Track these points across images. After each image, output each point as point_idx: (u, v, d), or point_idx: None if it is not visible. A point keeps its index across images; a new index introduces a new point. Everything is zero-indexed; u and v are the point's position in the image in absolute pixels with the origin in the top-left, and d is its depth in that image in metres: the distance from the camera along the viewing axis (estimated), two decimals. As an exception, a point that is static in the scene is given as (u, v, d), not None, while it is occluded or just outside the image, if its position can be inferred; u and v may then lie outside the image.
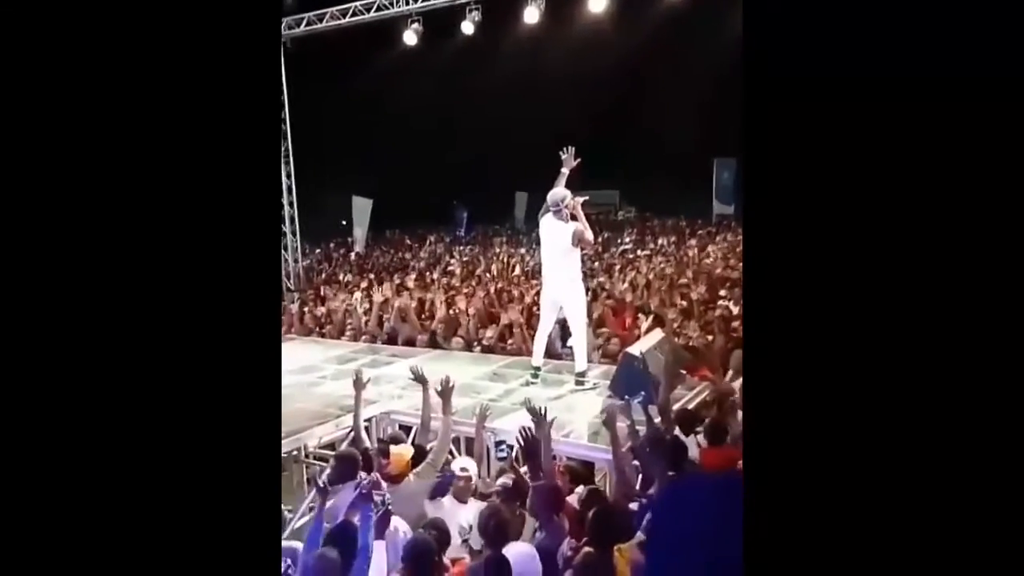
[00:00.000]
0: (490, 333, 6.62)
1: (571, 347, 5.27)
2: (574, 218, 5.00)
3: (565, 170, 5.15)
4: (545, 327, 5.26)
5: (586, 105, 21.84)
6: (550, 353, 5.55)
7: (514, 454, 3.85)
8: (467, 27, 11.64)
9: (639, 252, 13.66)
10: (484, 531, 2.88)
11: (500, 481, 3.52)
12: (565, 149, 5.22)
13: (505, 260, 13.04)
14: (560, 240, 4.97)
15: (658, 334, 5.09)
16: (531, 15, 11.12)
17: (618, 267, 10.93)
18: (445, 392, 3.89)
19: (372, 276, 11.29)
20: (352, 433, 4.12)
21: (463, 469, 3.54)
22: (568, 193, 5.02)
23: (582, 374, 5.05)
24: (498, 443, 3.92)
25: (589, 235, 5.05)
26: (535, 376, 5.19)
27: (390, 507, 2.85)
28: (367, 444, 3.94)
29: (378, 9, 11.62)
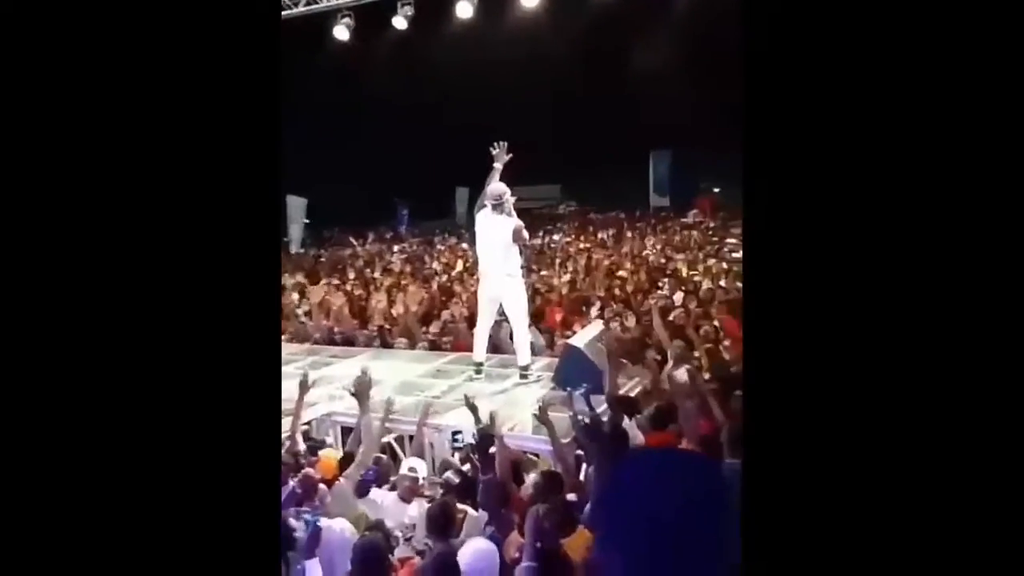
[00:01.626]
0: (434, 330, 6.59)
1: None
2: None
3: (498, 165, 5.15)
4: (485, 323, 5.25)
5: (525, 99, 21.91)
6: (500, 348, 5.55)
7: (462, 444, 3.84)
8: (399, 22, 11.51)
9: (580, 245, 13.81)
10: (429, 526, 2.87)
11: (445, 476, 3.51)
12: (496, 145, 5.22)
13: (447, 256, 12.99)
14: (499, 236, 4.97)
15: (598, 325, 5.16)
16: (464, 9, 11.08)
17: (559, 261, 11.03)
18: (360, 391, 3.80)
19: (305, 277, 11.03)
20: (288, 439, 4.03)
21: (411, 469, 3.52)
22: (506, 188, 5.03)
23: (526, 367, 5.07)
24: (454, 433, 3.90)
25: (525, 230, 5.08)
26: (478, 372, 5.18)
27: (319, 525, 2.80)
28: (301, 448, 3.85)
29: (308, 3, 11.38)
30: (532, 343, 5.41)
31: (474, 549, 2.73)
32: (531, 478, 3.45)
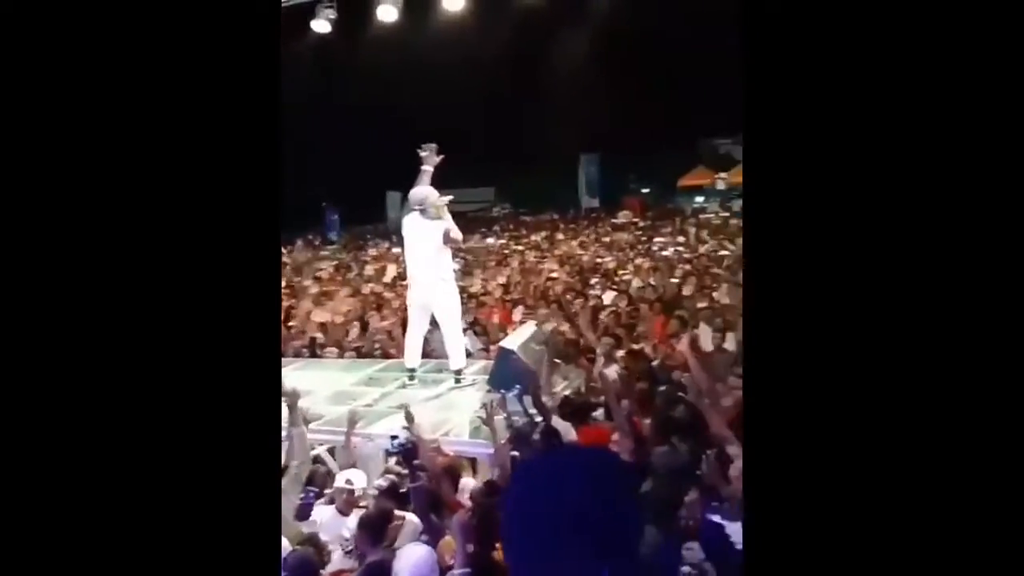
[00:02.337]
0: (361, 337, 6.47)
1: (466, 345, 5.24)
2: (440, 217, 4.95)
3: (426, 168, 5.09)
4: (416, 329, 5.17)
5: (459, 102, 21.87)
6: (435, 354, 5.48)
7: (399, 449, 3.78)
8: (321, 25, 11.28)
9: (513, 247, 13.86)
10: (361, 535, 2.83)
11: (376, 483, 3.45)
12: (423, 147, 5.16)
13: (378, 262, 12.80)
14: (429, 240, 4.90)
15: (531, 327, 5.17)
16: (387, 13, 10.93)
17: (493, 263, 11.03)
18: (290, 403, 3.71)
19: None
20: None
21: (348, 481, 3.46)
22: (433, 192, 4.97)
23: (459, 372, 5.02)
24: (392, 438, 3.83)
25: (457, 233, 5.01)
26: (411, 378, 5.10)
27: None
28: None
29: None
30: (467, 347, 5.37)
31: (411, 556, 2.69)
32: (465, 482, 3.43)
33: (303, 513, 3.34)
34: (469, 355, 5.34)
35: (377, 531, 2.81)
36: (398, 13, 10.91)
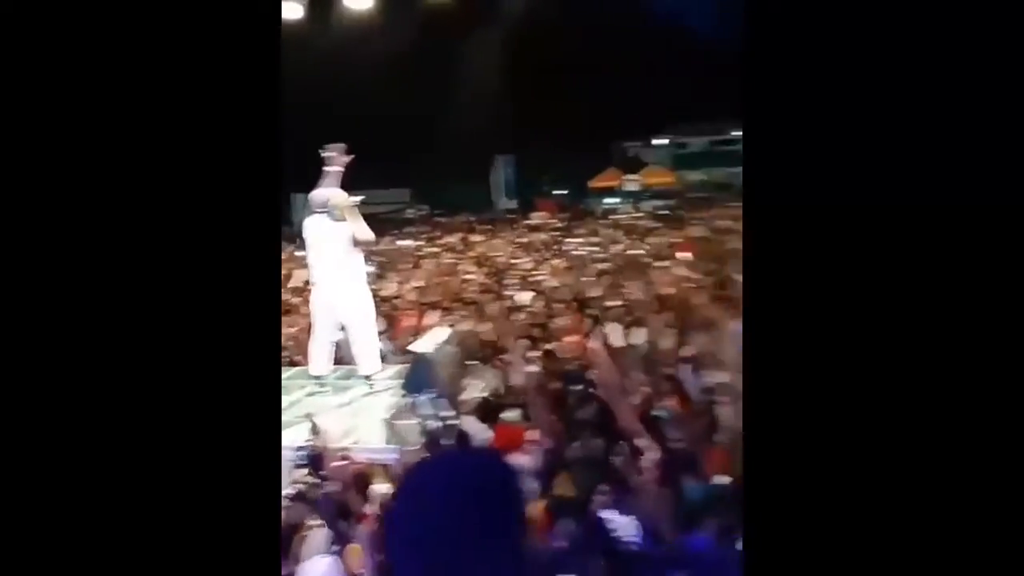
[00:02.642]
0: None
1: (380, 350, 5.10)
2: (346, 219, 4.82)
3: (331, 169, 4.95)
4: (322, 334, 5.00)
5: (372, 103, 21.48)
6: (346, 359, 5.33)
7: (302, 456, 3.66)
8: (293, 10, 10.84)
9: (429, 249, 13.73)
10: None
11: (285, 492, 3.33)
12: (326, 148, 5.01)
13: (284, 267, 12.38)
14: (335, 242, 4.76)
15: (445, 329, 5.11)
16: (292, 10, 10.62)
17: (409, 266, 10.88)
18: None
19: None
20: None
21: None
22: (338, 193, 4.83)
23: (370, 377, 4.90)
24: (298, 449, 3.69)
25: (366, 235, 4.88)
26: (320, 385, 4.94)
27: None
28: None
29: None
30: (381, 351, 5.25)
31: (313, 571, 2.62)
32: (377, 489, 3.34)
33: None
34: (383, 359, 5.22)
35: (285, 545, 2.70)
36: (303, 11, 10.62)
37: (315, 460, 3.40)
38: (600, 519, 2.58)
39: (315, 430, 3.48)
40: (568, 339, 5.19)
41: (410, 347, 4.91)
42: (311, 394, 4.86)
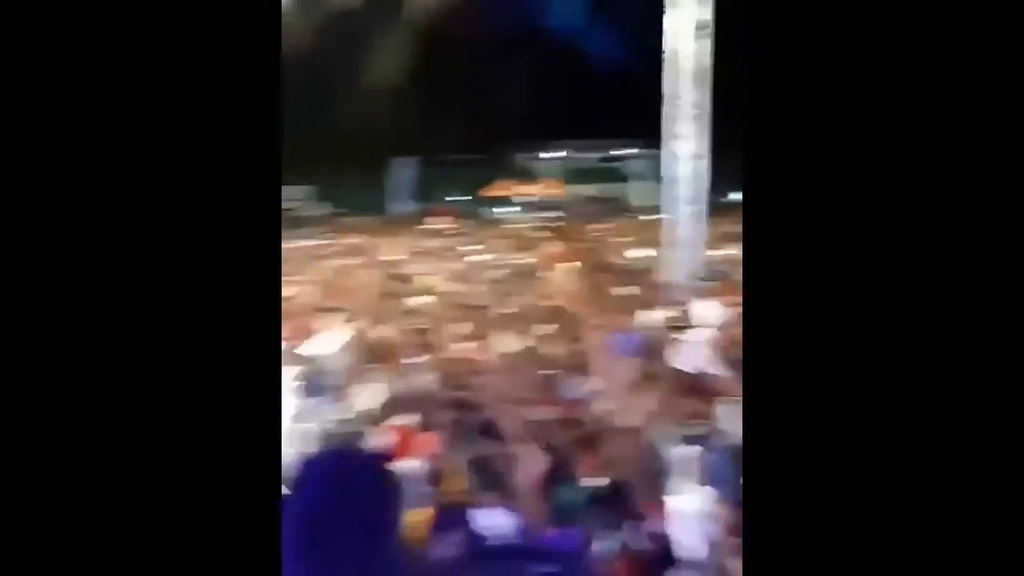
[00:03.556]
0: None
1: None
2: None
3: None
4: None
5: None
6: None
7: None
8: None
9: (328, 250, 13.56)
10: None
11: None
12: None
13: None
14: None
15: (340, 332, 5.25)
16: None
17: (308, 266, 10.78)
18: None
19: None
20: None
21: None
22: None
23: None
24: None
25: None
26: None
27: None
28: None
29: None
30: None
31: None
32: None
33: None
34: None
35: None
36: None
37: None
38: (477, 519, 2.67)
39: None
40: (459, 345, 5.47)
41: (306, 350, 5.04)
42: None
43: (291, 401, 4.66)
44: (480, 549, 2.36)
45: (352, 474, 0.94)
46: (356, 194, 24.00)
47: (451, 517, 2.70)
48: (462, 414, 3.94)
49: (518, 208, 24.20)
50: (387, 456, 2.81)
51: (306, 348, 5.33)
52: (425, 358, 5.17)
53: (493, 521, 2.67)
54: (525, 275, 9.51)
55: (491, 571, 2.07)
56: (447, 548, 2.39)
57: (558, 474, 3.19)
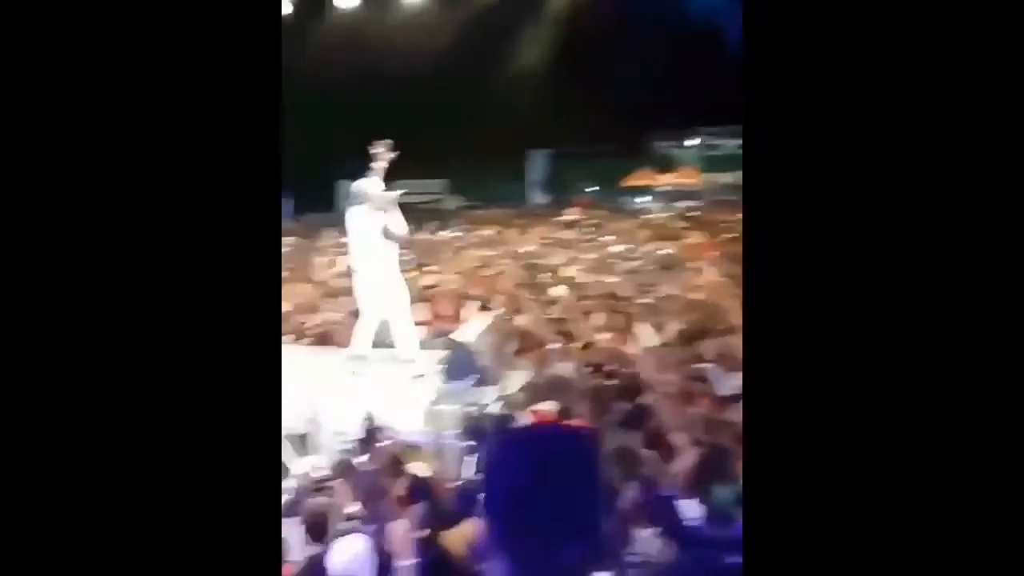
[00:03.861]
0: (315, 325, 6.48)
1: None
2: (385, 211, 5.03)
3: (375, 165, 5.17)
4: (364, 319, 5.26)
5: (412, 93, 21.64)
6: (386, 344, 5.57)
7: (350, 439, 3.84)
8: (283, 7, 11.10)
9: (466, 240, 13.91)
10: (306, 530, 2.81)
11: (324, 472, 3.50)
12: (374, 143, 5.24)
13: (331, 252, 12.64)
14: (370, 233, 5.00)
15: (484, 319, 5.30)
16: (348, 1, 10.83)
17: (447, 257, 11.08)
18: None
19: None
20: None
21: (315, 468, 3.47)
22: (375, 185, 5.06)
23: (410, 362, 5.12)
24: (337, 433, 3.88)
25: (401, 228, 5.11)
26: (360, 367, 5.18)
27: None
28: None
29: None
30: (421, 339, 5.47)
31: (345, 549, 2.68)
32: (413, 470, 3.52)
33: (290, 511, 3.14)
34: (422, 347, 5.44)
35: (321, 528, 2.78)
36: (359, 1, 10.83)
37: (364, 440, 3.55)
38: (679, 508, 2.61)
39: (368, 414, 3.64)
40: (603, 336, 5.35)
41: (451, 335, 5.12)
42: (353, 374, 5.10)
43: (432, 384, 4.78)
44: (682, 536, 2.38)
45: (557, 452, 0.89)
46: (495, 186, 24.43)
47: (656, 505, 2.67)
48: (607, 404, 3.84)
49: (656, 198, 23.61)
50: (589, 432, 2.79)
51: (451, 334, 5.43)
52: (567, 346, 5.11)
53: (690, 511, 2.59)
54: (666, 266, 9.22)
55: (693, 557, 2.13)
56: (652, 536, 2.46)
57: (711, 471, 3.05)
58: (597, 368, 4.51)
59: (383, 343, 5.63)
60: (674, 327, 5.27)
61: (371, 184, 5.05)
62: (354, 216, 5.12)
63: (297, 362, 5.48)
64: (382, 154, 5.19)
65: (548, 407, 4.14)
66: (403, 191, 5.24)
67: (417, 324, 5.95)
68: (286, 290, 7.89)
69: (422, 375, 5.06)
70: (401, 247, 5.35)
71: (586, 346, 5.11)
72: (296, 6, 11.06)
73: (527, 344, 5.39)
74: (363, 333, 5.24)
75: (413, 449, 3.98)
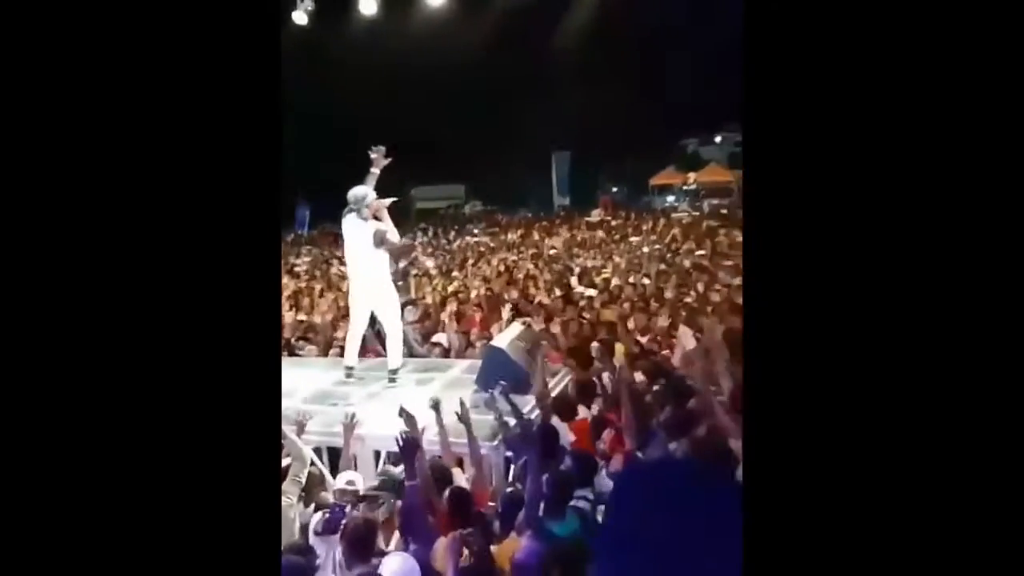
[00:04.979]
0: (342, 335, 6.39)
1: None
2: (377, 219, 4.92)
3: (374, 170, 5.06)
4: (354, 328, 5.14)
5: (430, 98, 21.72)
6: (413, 352, 5.44)
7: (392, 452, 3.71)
8: (299, 17, 11.10)
9: (490, 245, 13.84)
10: (347, 550, 2.68)
11: (369, 485, 3.37)
12: (373, 148, 5.12)
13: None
14: (362, 241, 4.89)
15: (518, 325, 5.15)
16: (368, 5, 10.81)
17: (471, 262, 10.98)
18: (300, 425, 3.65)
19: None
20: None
21: (349, 483, 3.34)
22: (368, 192, 4.95)
23: (395, 371, 5.00)
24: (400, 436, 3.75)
25: (393, 236, 4.99)
26: (349, 376, 5.05)
27: None
28: None
29: None
30: (449, 344, 5.33)
31: (392, 567, 2.58)
32: (457, 478, 3.38)
33: (332, 526, 3.05)
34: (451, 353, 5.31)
35: (365, 545, 2.66)
36: (377, 7, 10.80)
37: (404, 451, 3.43)
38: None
39: (409, 421, 3.50)
40: (643, 339, 5.18)
41: (485, 342, 4.97)
42: (343, 383, 4.97)
43: (465, 392, 4.63)
44: None
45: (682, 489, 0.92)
46: (522, 188, 24.45)
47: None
48: (651, 409, 3.68)
49: (685, 196, 23.40)
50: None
51: (481, 341, 5.28)
52: (602, 349, 4.94)
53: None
54: (701, 267, 9.03)
55: None
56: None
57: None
58: (649, 373, 4.33)
59: (411, 351, 5.49)
60: (717, 328, 5.08)
61: (364, 190, 4.95)
62: (346, 223, 5.03)
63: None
64: (377, 160, 5.08)
65: (585, 414, 3.99)
66: (394, 199, 5.16)
67: (444, 331, 5.82)
68: (315, 304, 7.83)
69: (398, 385, 4.89)
70: (393, 255, 5.21)
71: (637, 352, 4.93)
72: (317, 15, 11.03)
73: (561, 349, 5.23)
74: (351, 341, 5.13)
75: (453, 460, 3.84)
